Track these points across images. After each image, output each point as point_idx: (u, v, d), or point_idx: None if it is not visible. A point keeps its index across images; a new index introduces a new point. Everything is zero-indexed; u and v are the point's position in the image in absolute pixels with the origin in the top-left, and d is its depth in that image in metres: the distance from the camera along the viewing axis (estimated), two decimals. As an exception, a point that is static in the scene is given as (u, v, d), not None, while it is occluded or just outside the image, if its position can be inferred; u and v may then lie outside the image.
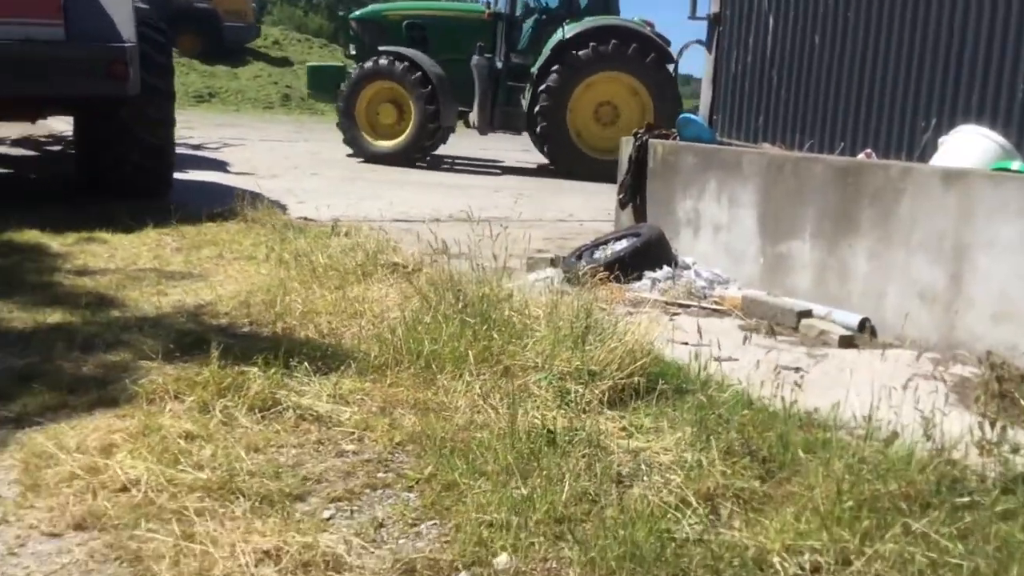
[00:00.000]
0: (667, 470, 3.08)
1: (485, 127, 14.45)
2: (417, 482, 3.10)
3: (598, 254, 6.28)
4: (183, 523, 2.73)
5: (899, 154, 5.78)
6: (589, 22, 13.69)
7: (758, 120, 6.47)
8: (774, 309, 5.35)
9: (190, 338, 4.47)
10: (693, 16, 7.07)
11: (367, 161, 14.26)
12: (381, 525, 2.84)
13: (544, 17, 14.33)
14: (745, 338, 4.90)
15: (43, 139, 13.63)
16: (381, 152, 14.20)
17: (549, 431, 3.29)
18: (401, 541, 2.75)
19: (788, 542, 2.59)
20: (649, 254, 6.08)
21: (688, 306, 5.68)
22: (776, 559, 2.53)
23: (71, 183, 9.20)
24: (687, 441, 3.26)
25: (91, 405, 3.67)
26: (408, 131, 14.14)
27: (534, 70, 13.82)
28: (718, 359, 4.14)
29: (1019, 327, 4.23)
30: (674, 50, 16.74)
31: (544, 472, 3.00)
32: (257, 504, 2.89)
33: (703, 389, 3.72)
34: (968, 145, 5.15)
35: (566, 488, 2.89)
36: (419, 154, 14.29)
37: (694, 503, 2.83)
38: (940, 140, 5.38)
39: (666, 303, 5.70)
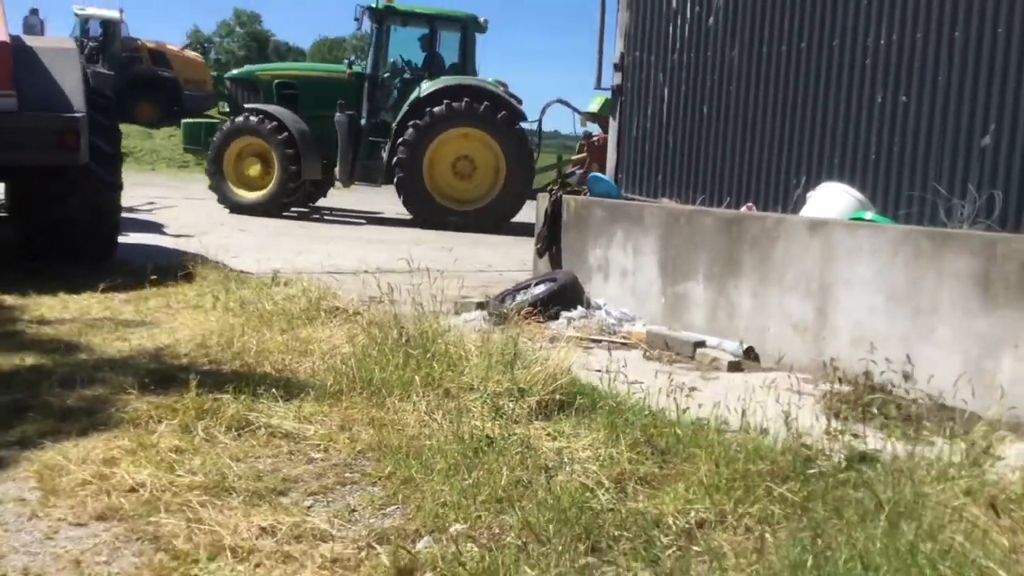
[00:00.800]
0: (585, 461, 3.77)
1: (346, 179, 15.55)
2: (380, 479, 3.73)
3: (520, 297, 7.02)
4: (189, 512, 3.31)
5: (776, 207, 6.68)
6: (443, 81, 14.83)
7: (657, 178, 7.33)
8: (674, 341, 6.14)
9: (158, 375, 5.00)
10: (598, 87, 7.95)
11: (232, 211, 15.33)
12: (353, 510, 3.45)
13: (408, 76, 15.47)
14: (647, 365, 5.67)
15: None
16: (246, 203, 15.31)
17: (488, 436, 3.96)
18: (372, 520, 3.37)
19: (679, 507, 3.30)
20: (565, 296, 6.85)
21: (600, 340, 6.43)
22: (670, 519, 3.24)
23: (8, 247, 9.42)
24: (601, 440, 3.96)
25: (83, 430, 4.18)
26: (272, 183, 15.21)
27: (394, 126, 14.94)
28: (626, 381, 4.88)
29: (872, 350, 5.06)
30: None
31: (486, 466, 3.66)
32: (248, 497, 3.47)
33: (613, 401, 4.44)
34: (831, 199, 6.06)
35: (504, 476, 3.55)
36: (285, 203, 15.36)
37: (606, 484, 3.53)
38: (808, 195, 6.29)
39: (580, 338, 6.44)
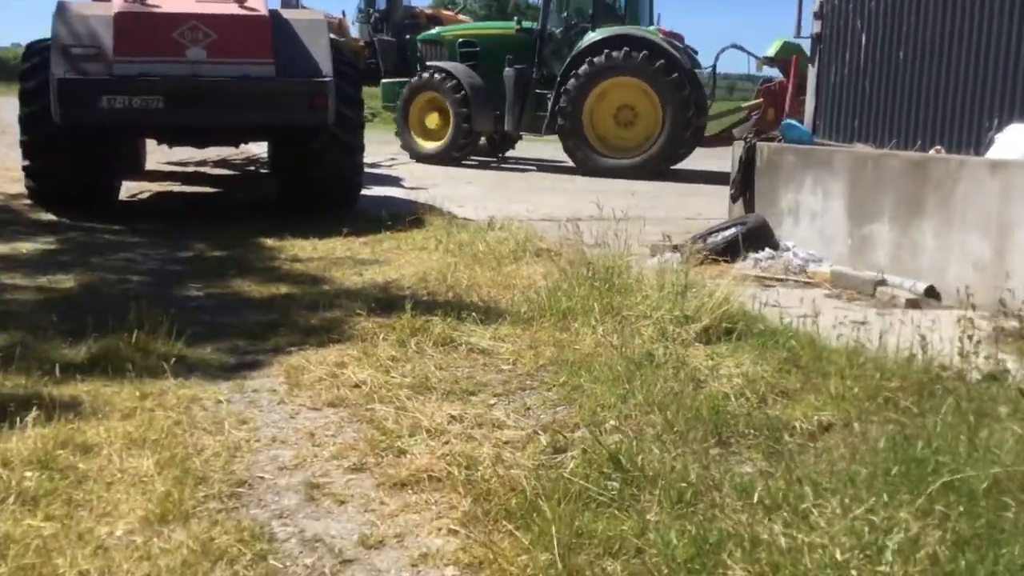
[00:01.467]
0: (732, 376, 4.26)
1: (512, 129, 16.47)
2: (554, 386, 4.39)
3: (711, 239, 7.44)
4: (397, 403, 4.10)
5: (968, 150, 6.69)
6: (605, 31, 15.04)
7: (854, 123, 7.48)
8: (856, 280, 6.39)
9: (384, 302, 5.88)
10: (798, 35, 8.12)
11: (418, 161, 16.60)
12: (528, 408, 4.14)
13: (576, 29, 15.79)
14: (826, 302, 5.98)
15: (238, 161, 15.64)
16: (425, 152, 16.65)
17: (650, 353, 4.53)
18: (541, 416, 4.04)
19: (808, 413, 3.75)
20: (753, 238, 7.21)
21: (784, 280, 6.77)
22: (797, 422, 3.69)
23: (271, 197, 10.79)
24: (752, 360, 4.43)
25: (322, 343, 5.11)
26: (447, 135, 16.30)
27: (559, 77, 15.32)
28: (798, 315, 5.27)
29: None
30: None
31: (643, 378, 4.23)
32: (444, 395, 4.24)
33: (769, 326, 4.86)
34: (1015, 140, 6.05)
35: (657, 386, 4.11)
36: (456, 154, 16.34)
37: (748, 395, 4.01)
38: (995, 136, 6.29)
39: (765, 278, 6.81)
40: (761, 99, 15.54)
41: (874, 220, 6.60)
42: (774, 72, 15.44)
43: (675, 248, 7.62)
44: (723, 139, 15.67)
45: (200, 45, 8.66)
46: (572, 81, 14.97)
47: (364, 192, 11.56)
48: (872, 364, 4.14)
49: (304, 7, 12.19)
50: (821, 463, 3.21)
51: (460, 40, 17.07)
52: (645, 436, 3.59)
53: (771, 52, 14.94)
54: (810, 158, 7.29)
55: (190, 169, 13.67)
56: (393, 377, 4.44)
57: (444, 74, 16.23)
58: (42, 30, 11.16)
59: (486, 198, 11.72)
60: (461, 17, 32.85)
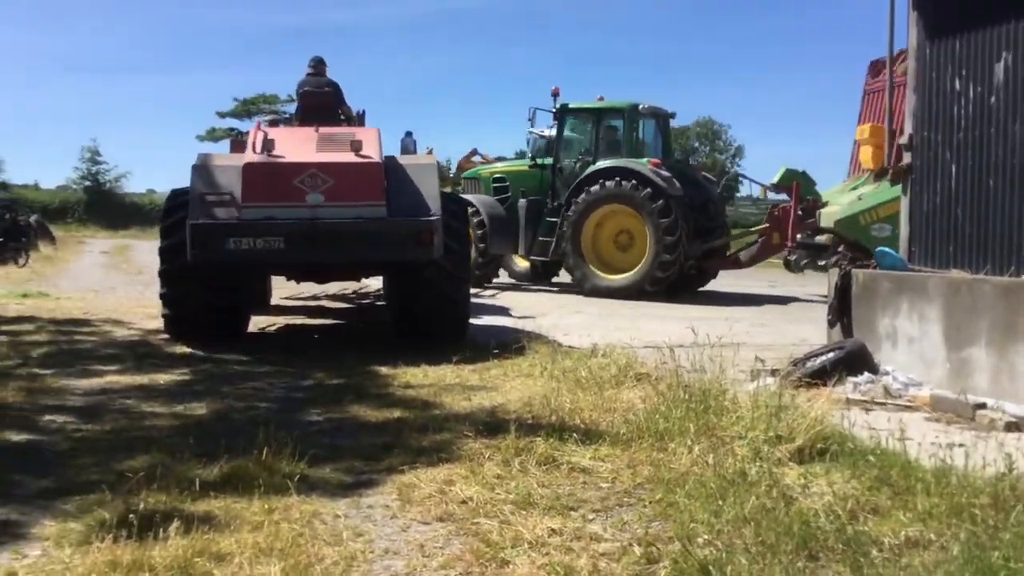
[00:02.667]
0: (824, 494, 4.42)
1: (523, 254, 17.87)
2: (650, 503, 4.61)
3: (809, 364, 7.57)
4: (501, 517, 4.39)
5: (1064, 273, 6.76)
6: (602, 164, 16.39)
7: (948, 249, 7.61)
8: (955, 404, 6.44)
9: (490, 425, 6.21)
10: (889, 165, 8.37)
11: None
12: (625, 522, 4.37)
13: (582, 162, 17.18)
14: (924, 425, 6.05)
15: (352, 294, 16.45)
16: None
17: (743, 472, 4.72)
18: (637, 530, 4.26)
19: (896, 529, 3.88)
20: (852, 363, 7.33)
21: (884, 404, 6.84)
22: (885, 538, 3.83)
23: (387, 328, 11.36)
24: (844, 478, 4.58)
25: (432, 462, 5.44)
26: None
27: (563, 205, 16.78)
28: (896, 437, 5.39)
29: None
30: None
31: (736, 494, 4.42)
32: (545, 510, 4.51)
33: (866, 450, 5.00)
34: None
35: (750, 503, 4.29)
36: (478, 272, 17.01)
37: (838, 511, 4.16)
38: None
39: (865, 401, 6.90)
40: (767, 224, 16.56)
41: (971, 344, 6.67)
42: (781, 197, 16.58)
43: (773, 372, 7.78)
44: (732, 262, 17.07)
45: (319, 191, 9.42)
46: (572, 208, 16.37)
47: (474, 321, 12.10)
48: (960, 482, 4.24)
49: (416, 152, 13.10)
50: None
51: (493, 176, 18.66)
52: (735, 548, 3.78)
53: (776, 179, 16.07)
54: (905, 284, 7.43)
55: (312, 304, 14.46)
56: (498, 494, 4.73)
57: (469, 205, 17.66)
58: (176, 179, 12.16)
59: (592, 326, 12.04)
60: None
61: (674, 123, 19.24)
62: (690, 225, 15.86)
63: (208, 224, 9.23)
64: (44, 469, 5.31)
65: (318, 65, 11.88)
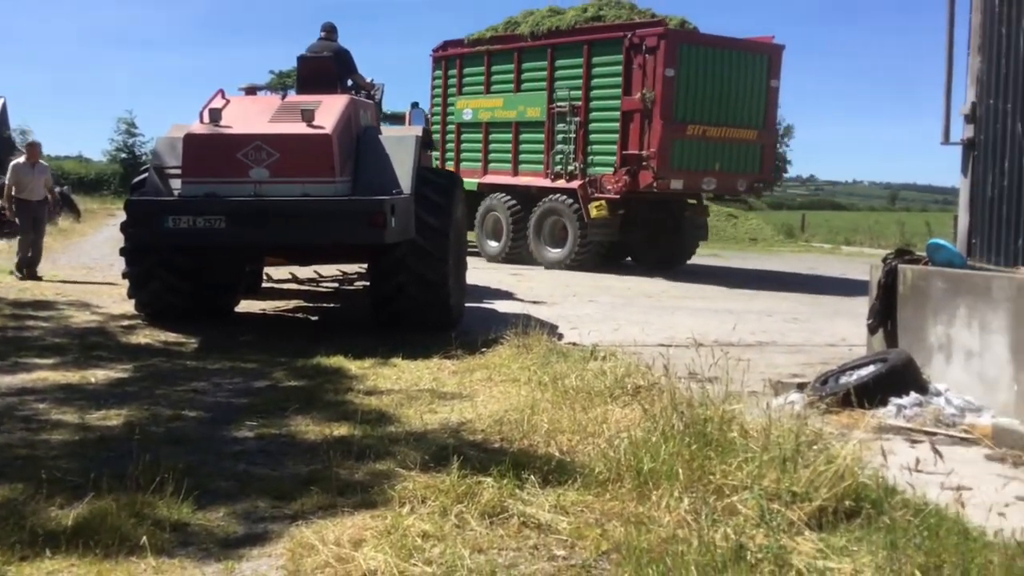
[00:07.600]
0: (847, 586, 3.20)
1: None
2: (613, 587, 3.43)
3: (843, 379, 6.30)
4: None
5: None
6: None
7: (1017, 243, 6.29)
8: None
9: (445, 451, 5.07)
10: (946, 142, 7.02)
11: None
12: (572, 622, 3.19)
13: None
14: (986, 467, 4.79)
15: (355, 275, 15.35)
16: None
17: (741, 546, 3.50)
18: (585, 636, 3.08)
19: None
20: (896, 380, 6.02)
21: (934, 434, 5.56)
22: None
23: (368, 315, 10.27)
24: (878, 562, 3.34)
25: (354, 506, 4.33)
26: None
27: None
28: (949, 485, 4.15)
29: None
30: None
31: (727, 583, 3.22)
32: (469, 596, 3.34)
33: (908, 513, 3.75)
34: None
35: (743, 599, 3.09)
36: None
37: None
38: None
39: (911, 430, 5.63)
40: None
41: (1047, 362, 5.37)
42: None
43: (800, 387, 6.53)
44: None
45: (263, 165, 8.61)
46: None
47: (478, 306, 11.01)
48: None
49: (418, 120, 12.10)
50: None
51: None
52: None
53: None
54: (963, 285, 6.12)
55: (306, 287, 13.42)
56: (413, 566, 3.58)
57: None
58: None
59: (604, 319, 10.87)
60: None
61: None
62: None
63: (145, 201, 8.58)
64: None
65: (329, 32, 11.10)
